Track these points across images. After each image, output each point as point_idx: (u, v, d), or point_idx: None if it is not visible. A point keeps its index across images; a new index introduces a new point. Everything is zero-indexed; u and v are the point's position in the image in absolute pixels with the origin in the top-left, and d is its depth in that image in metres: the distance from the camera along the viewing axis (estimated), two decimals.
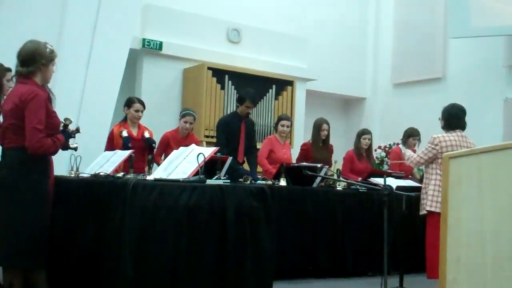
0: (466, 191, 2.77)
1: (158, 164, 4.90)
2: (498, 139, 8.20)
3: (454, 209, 2.79)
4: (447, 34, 9.41)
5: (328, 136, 6.39)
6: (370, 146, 6.75)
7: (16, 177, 3.39)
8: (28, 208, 3.38)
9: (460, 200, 2.77)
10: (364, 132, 6.71)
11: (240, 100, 5.83)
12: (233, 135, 5.71)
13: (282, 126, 6.16)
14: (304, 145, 6.51)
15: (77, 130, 3.81)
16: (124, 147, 4.97)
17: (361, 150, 6.64)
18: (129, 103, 5.51)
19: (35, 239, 3.41)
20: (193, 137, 5.93)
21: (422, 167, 6.80)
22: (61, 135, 3.59)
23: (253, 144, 5.96)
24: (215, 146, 5.59)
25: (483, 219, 2.71)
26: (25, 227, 3.37)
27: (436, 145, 4.61)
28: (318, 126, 6.35)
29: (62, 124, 3.66)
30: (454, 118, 4.75)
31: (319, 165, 5.29)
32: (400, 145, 6.55)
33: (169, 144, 5.71)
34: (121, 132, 5.20)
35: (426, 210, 4.61)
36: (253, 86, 8.10)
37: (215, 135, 6.29)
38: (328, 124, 6.38)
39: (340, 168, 5.99)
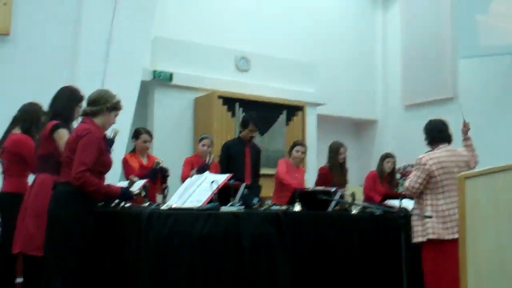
0: (484, 212, 2.73)
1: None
2: None
3: (472, 232, 2.75)
4: (456, 53, 9.43)
5: (345, 159, 6.37)
6: (393, 170, 6.62)
7: (60, 211, 3.53)
8: (69, 242, 3.48)
9: (478, 221, 2.74)
10: (387, 156, 6.59)
11: (243, 124, 5.95)
12: (237, 159, 5.80)
13: (297, 151, 6.16)
14: (322, 169, 6.44)
15: (139, 194, 4.13)
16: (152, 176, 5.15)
17: (384, 174, 6.57)
18: (136, 134, 5.60)
19: (70, 274, 3.49)
20: (214, 162, 6.06)
21: None
22: (119, 188, 3.80)
23: (257, 172, 6.02)
24: (221, 171, 5.65)
25: (502, 241, 2.66)
26: (66, 260, 3.47)
27: (425, 164, 4.23)
28: (335, 150, 6.32)
29: (127, 183, 4.01)
30: (434, 131, 4.42)
31: (333, 189, 5.24)
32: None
33: (194, 167, 5.82)
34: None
35: (427, 239, 4.22)
36: (263, 112, 8.15)
37: None
38: (345, 147, 6.36)
39: (355, 191, 5.93)
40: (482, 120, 9.25)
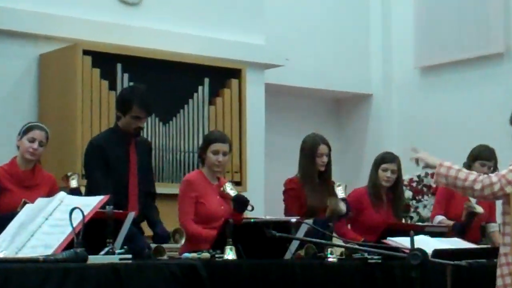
0: None
1: None
2: None
3: None
4: None
5: (329, 165, 6.49)
6: (397, 181, 6.79)
7: None
8: None
9: None
10: (384, 159, 6.76)
11: (122, 107, 5.85)
12: (115, 169, 5.77)
13: (215, 153, 6.03)
14: (291, 182, 6.48)
15: None
16: None
17: (380, 189, 6.72)
18: None
19: None
20: (42, 173, 6.06)
21: None
22: None
23: (150, 188, 6.08)
24: (88, 190, 5.63)
25: None
26: None
27: None
28: (311, 149, 6.42)
29: None
30: None
31: (293, 219, 5.27)
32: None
33: (2, 187, 5.76)
34: None
35: None
36: (167, 81, 8.12)
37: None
38: (327, 144, 6.47)
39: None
40: None
